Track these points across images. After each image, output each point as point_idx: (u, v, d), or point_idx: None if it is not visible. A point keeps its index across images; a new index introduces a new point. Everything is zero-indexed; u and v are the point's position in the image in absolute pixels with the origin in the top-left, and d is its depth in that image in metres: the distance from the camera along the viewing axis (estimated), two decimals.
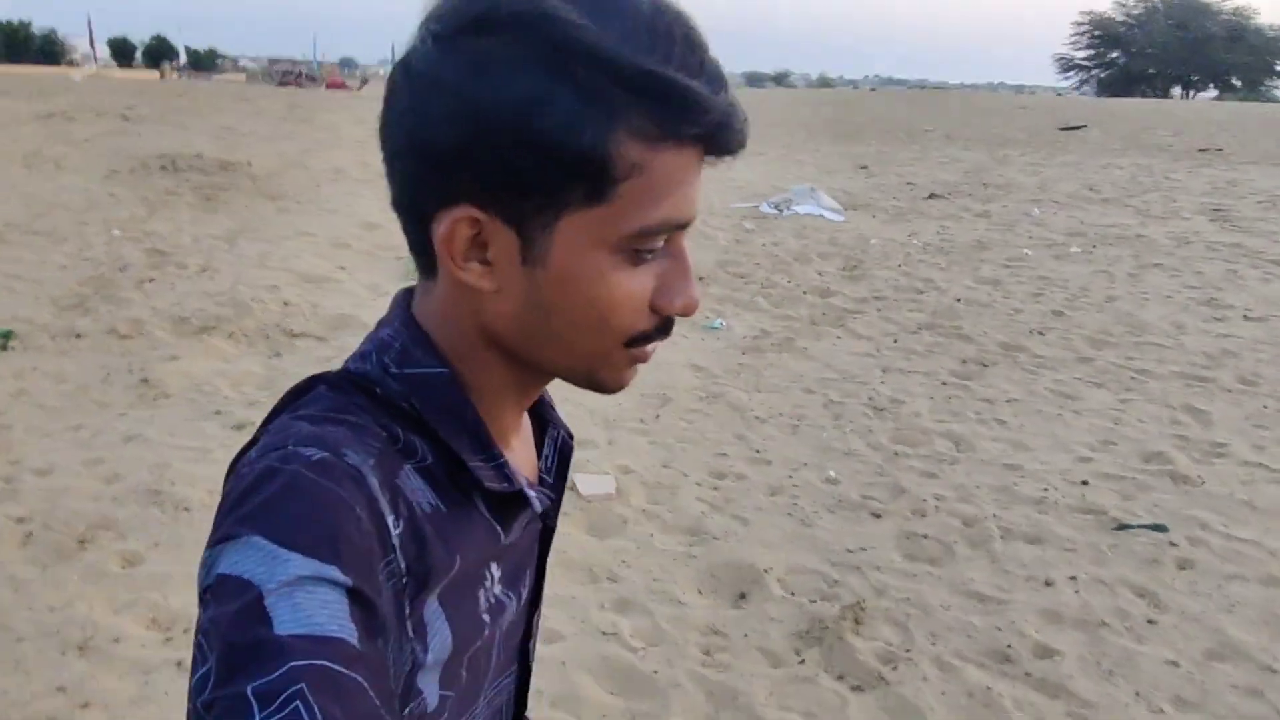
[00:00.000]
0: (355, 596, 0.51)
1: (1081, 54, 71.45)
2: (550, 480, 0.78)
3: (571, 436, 0.81)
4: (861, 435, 4.61)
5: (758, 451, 4.37)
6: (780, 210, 10.60)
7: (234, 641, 0.48)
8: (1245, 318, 7.04)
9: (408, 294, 0.69)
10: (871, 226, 10.21)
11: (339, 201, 9.16)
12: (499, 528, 0.68)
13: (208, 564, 0.52)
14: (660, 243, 0.61)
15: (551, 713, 2.51)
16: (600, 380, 0.66)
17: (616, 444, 4.33)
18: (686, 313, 0.63)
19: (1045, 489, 4.03)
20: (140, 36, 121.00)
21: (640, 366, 0.67)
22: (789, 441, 4.52)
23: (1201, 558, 3.45)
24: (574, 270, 0.59)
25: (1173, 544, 3.55)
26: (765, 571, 3.27)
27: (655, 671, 2.72)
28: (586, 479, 3.86)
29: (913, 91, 32.63)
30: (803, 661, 2.80)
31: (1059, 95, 61.94)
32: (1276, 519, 3.78)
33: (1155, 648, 2.91)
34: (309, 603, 0.49)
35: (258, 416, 4.30)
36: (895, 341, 6.24)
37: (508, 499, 0.68)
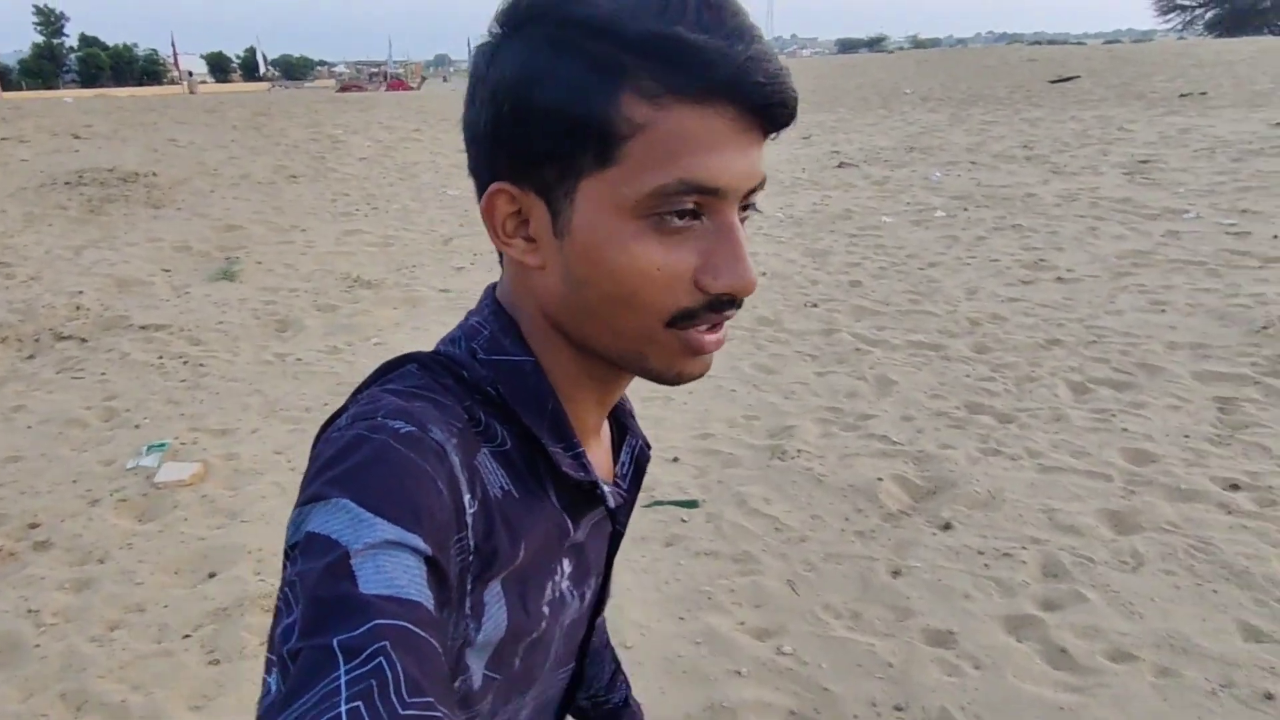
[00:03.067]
0: (432, 566, 0.53)
1: None
2: (624, 486, 0.78)
3: (649, 446, 0.82)
4: None
5: None
6: None
7: (320, 596, 0.49)
8: (1058, 279, 6.73)
9: (494, 289, 0.72)
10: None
11: (216, 207, 9.54)
12: (569, 522, 0.69)
13: (296, 521, 0.55)
14: (685, 205, 0.59)
15: None
16: (652, 367, 0.64)
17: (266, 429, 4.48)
18: (735, 293, 0.61)
19: None
20: (235, 50, 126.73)
21: (704, 359, 0.65)
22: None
23: (696, 535, 3.41)
24: (595, 238, 0.60)
25: (684, 520, 3.52)
26: None
27: None
28: (169, 467, 4.03)
29: (936, 52, 31.40)
30: None
31: (1180, 39, 57.50)
32: (830, 494, 3.69)
33: None
34: (392, 566, 0.51)
35: None
36: None
37: (580, 495, 0.70)
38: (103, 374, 5.30)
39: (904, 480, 3.77)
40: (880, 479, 3.76)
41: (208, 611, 3.00)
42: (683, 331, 0.61)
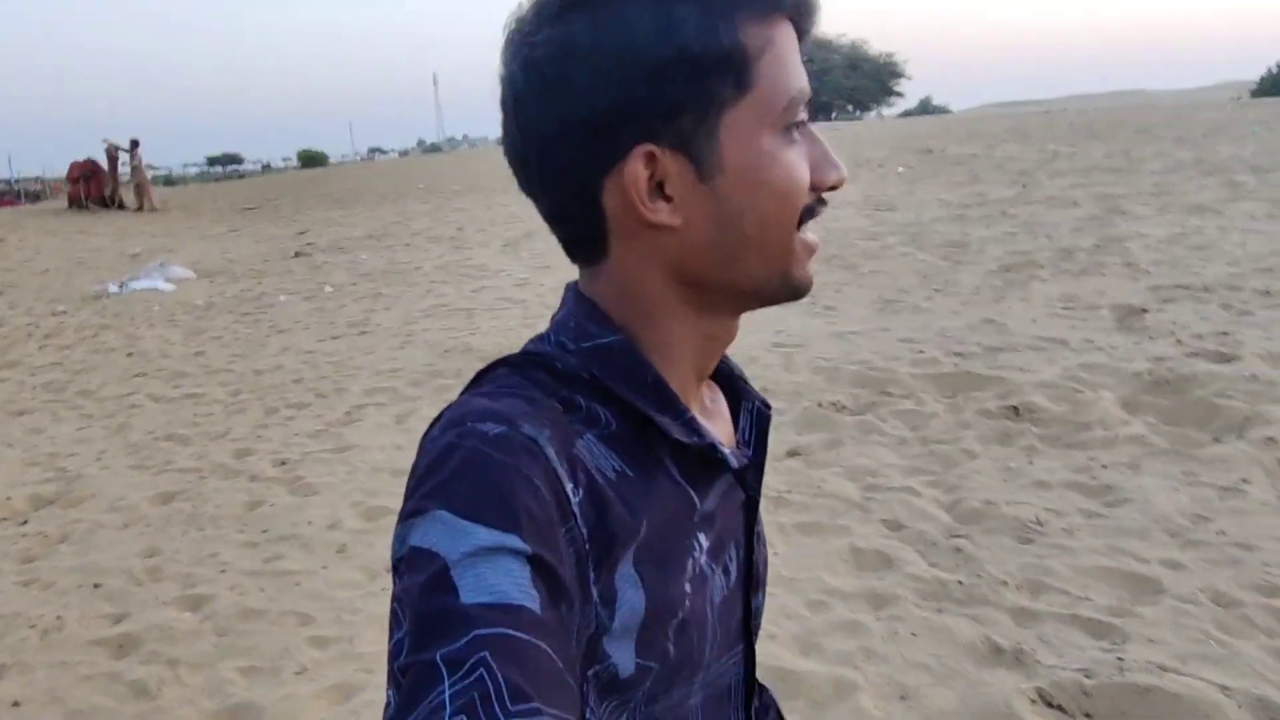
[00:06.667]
0: (536, 563, 0.51)
1: None
2: (749, 449, 0.74)
3: (768, 407, 0.76)
4: None
5: None
6: (122, 288, 11.16)
7: (423, 610, 0.49)
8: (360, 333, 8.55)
9: (575, 284, 0.70)
10: (196, 291, 11.08)
11: None
12: (693, 493, 0.66)
13: (400, 537, 0.54)
14: (802, 114, 0.63)
15: None
16: (795, 280, 0.66)
17: None
18: (839, 184, 0.65)
19: None
20: None
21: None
22: None
23: None
24: (749, 161, 0.61)
25: None
26: None
27: None
28: None
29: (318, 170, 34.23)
30: None
31: None
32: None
33: None
34: (492, 572, 0.50)
35: None
36: None
37: (700, 463, 0.66)
38: None
39: None
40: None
41: None
42: (804, 234, 0.65)
